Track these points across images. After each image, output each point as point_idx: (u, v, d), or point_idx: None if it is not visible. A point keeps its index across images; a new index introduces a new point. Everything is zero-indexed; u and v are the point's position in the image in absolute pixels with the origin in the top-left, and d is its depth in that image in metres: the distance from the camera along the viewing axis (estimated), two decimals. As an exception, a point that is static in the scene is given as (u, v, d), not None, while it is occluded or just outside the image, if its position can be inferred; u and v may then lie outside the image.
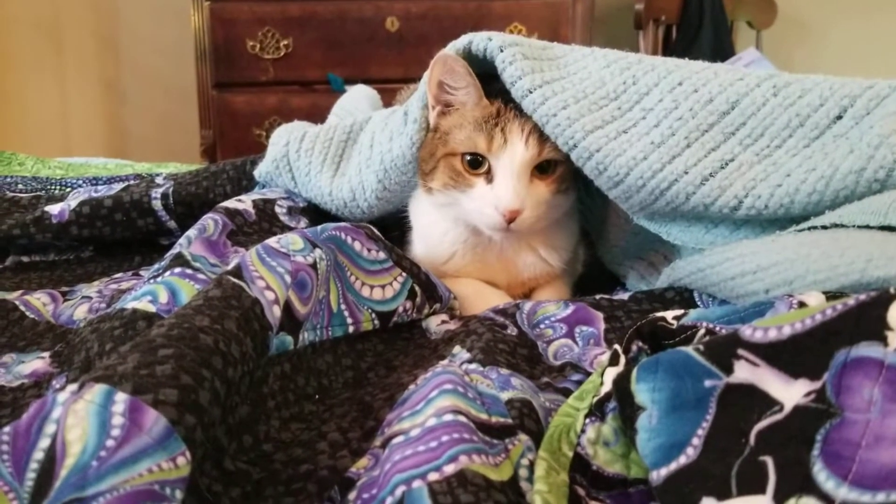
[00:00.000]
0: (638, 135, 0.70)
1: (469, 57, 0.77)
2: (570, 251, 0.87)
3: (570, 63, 0.78)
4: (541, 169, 0.76)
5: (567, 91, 0.73)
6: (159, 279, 0.66)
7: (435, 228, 0.85)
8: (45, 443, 0.39)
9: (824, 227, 0.61)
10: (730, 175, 0.67)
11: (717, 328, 0.48)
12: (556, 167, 0.76)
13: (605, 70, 0.76)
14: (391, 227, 0.92)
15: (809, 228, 0.62)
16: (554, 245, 0.85)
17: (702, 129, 0.69)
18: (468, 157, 0.76)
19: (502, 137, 0.74)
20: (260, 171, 0.99)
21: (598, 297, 0.72)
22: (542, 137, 0.74)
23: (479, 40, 0.77)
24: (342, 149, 0.96)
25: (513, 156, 0.73)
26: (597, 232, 0.92)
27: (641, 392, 0.43)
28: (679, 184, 0.68)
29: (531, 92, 0.72)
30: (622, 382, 0.45)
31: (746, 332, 0.41)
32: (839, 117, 0.66)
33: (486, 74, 0.77)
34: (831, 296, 0.48)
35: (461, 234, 0.83)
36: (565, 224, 0.86)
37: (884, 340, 0.36)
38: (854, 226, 0.58)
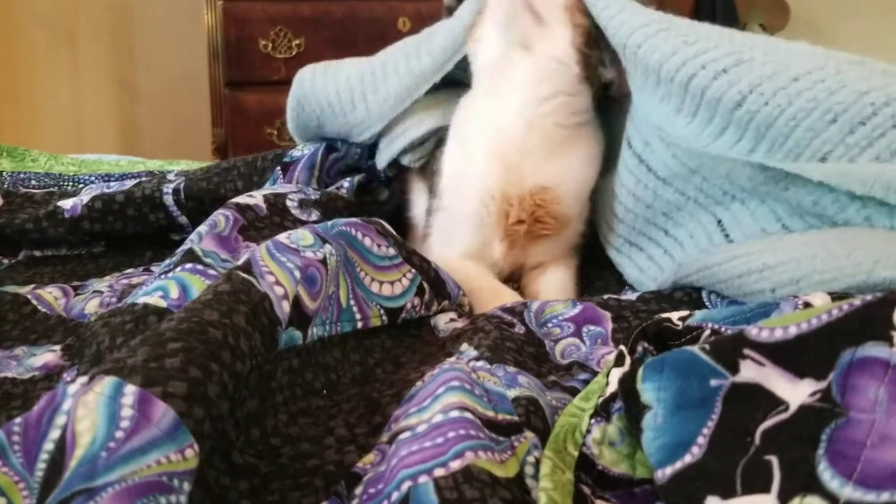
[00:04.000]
0: (676, 34, 0.74)
1: None
2: (582, 181, 0.89)
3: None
4: None
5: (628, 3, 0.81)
6: (170, 275, 0.66)
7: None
8: (55, 434, 0.39)
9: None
10: (741, 71, 0.68)
11: (723, 329, 0.48)
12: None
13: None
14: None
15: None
16: (570, 163, 0.87)
17: (733, 40, 0.72)
18: None
19: None
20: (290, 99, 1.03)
21: (605, 296, 0.72)
22: None
23: None
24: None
25: None
26: (602, 208, 0.93)
27: (647, 391, 0.43)
28: (697, 78, 0.70)
29: None
30: (628, 382, 0.45)
31: (752, 331, 0.41)
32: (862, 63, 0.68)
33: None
34: (837, 296, 0.48)
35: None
36: (585, 145, 0.89)
37: (889, 341, 0.36)
38: (841, 190, 0.60)
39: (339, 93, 0.97)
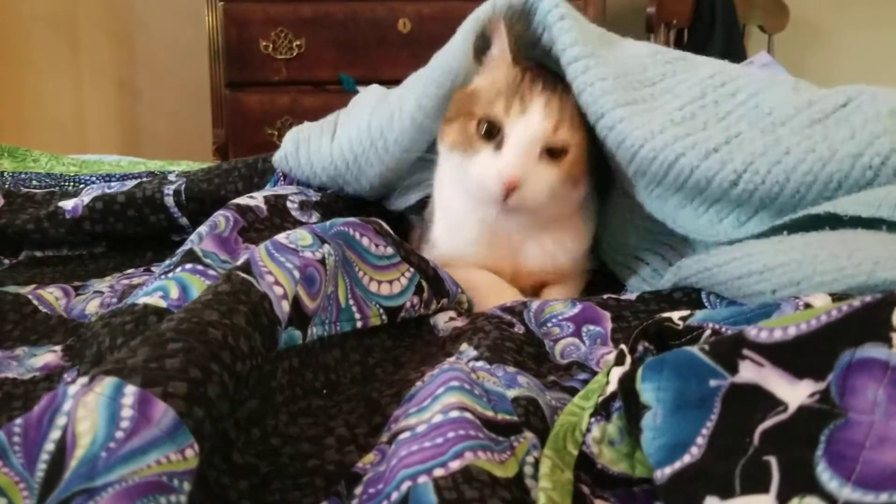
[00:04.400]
0: (661, 113, 0.73)
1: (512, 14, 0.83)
2: (579, 251, 0.87)
3: (618, 43, 0.83)
4: (552, 154, 0.76)
5: (611, 66, 0.76)
6: (170, 275, 0.67)
7: (456, 202, 0.85)
8: (55, 434, 0.39)
9: (818, 217, 0.62)
10: (732, 150, 0.68)
11: (723, 329, 0.48)
12: (567, 154, 0.77)
13: (649, 58, 0.80)
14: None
15: (804, 226, 0.63)
16: (562, 241, 0.85)
17: (719, 117, 0.72)
18: (485, 125, 0.76)
19: (521, 106, 0.75)
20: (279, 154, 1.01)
21: (605, 296, 0.72)
22: (561, 117, 0.75)
23: (545, 4, 0.81)
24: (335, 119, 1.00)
25: (527, 125, 0.75)
26: (606, 230, 0.92)
27: (646, 391, 0.43)
28: (686, 157, 0.69)
29: (577, 60, 0.76)
30: (627, 381, 0.45)
31: (752, 332, 0.41)
32: (844, 105, 0.68)
33: None
34: (837, 297, 0.48)
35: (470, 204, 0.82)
36: (577, 222, 0.86)
37: (888, 342, 0.36)
38: (847, 216, 0.60)
39: (323, 182, 0.96)
